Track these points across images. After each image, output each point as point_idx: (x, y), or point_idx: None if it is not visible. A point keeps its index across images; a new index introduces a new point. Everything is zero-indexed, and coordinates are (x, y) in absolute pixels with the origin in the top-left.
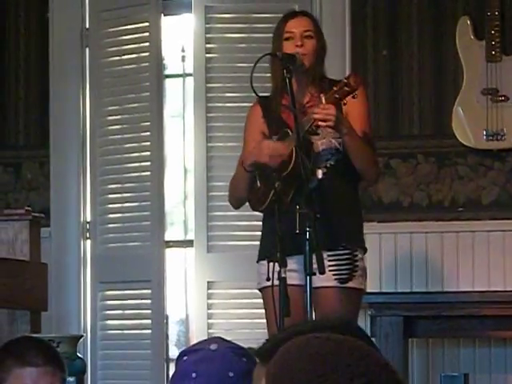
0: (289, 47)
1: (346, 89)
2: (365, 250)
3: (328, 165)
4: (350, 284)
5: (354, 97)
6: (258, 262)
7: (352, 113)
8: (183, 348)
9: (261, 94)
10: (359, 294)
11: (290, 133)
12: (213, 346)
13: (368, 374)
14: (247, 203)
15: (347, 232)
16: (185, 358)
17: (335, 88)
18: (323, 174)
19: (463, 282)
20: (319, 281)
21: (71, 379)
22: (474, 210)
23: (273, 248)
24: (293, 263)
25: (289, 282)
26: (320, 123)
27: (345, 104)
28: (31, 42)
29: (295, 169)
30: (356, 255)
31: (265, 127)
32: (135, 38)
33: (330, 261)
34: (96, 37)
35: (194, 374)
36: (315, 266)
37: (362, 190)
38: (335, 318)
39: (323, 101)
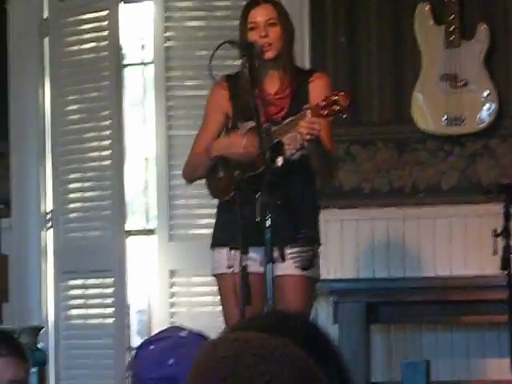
0: (253, 37)
1: (336, 107)
2: (319, 245)
3: (289, 159)
4: (309, 273)
5: (343, 116)
6: (212, 248)
7: (321, 124)
8: (146, 337)
9: (227, 74)
10: (315, 283)
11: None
12: (182, 333)
13: (268, 373)
14: (207, 190)
15: (307, 222)
16: (151, 347)
17: (323, 103)
18: (284, 160)
19: (425, 268)
20: (280, 269)
21: (33, 370)
22: (435, 195)
23: (233, 235)
24: (253, 252)
25: (250, 269)
26: (304, 135)
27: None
28: None
29: (257, 159)
30: (315, 244)
31: (230, 110)
32: (94, 26)
33: (290, 248)
34: (55, 26)
35: (170, 361)
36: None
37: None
38: (279, 312)
39: (308, 115)
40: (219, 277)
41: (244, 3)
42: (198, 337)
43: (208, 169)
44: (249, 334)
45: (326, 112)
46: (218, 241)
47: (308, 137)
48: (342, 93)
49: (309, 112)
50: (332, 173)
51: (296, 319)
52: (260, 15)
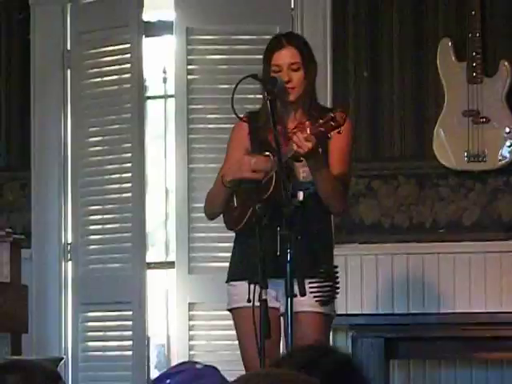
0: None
1: (332, 123)
2: (336, 279)
3: (307, 193)
4: (327, 310)
5: (339, 132)
6: (228, 282)
7: (334, 147)
8: (164, 370)
9: (249, 111)
10: (331, 320)
11: (271, 157)
12: (198, 366)
13: None
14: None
15: (326, 257)
16: (167, 381)
17: (321, 121)
18: (304, 196)
19: (444, 304)
20: (298, 305)
21: None
22: (455, 231)
23: (249, 269)
24: (269, 286)
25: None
26: (295, 147)
27: (328, 138)
28: (12, 63)
29: (274, 191)
30: (333, 280)
31: (249, 144)
32: (116, 59)
33: (310, 283)
34: (77, 58)
35: None
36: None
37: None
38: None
39: (308, 130)
40: (236, 311)
41: (267, 38)
42: (214, 370)
43: (225, 200)
44: (280, 370)
45: (323, 128)
46: (234, 275)
47: (300, 151)
48: (340, 111)
49: (308, 129)
50: (340, 204)
51: (329, 355)
52: (284, 58)
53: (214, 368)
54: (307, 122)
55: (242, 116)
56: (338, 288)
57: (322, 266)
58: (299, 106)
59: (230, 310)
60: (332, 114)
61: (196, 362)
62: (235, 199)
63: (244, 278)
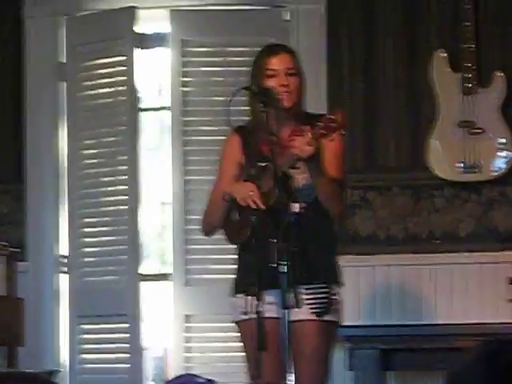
0: (272, 84)
1: (333, 125)
2: (340, 285)
3: (308, 200)
4: (327, 317)
5: (341, 133)
6: (233, 295)
7: (327, 149)
8: (161, 383)
9: (238, 125)
10: (335, 327)
11: (271, 166)
12: (200, 380)
13: None
14: (223, 235)
15: (324, 267)
16: None
17: (321, 124)
18: (301, 208)
19: (440, 315)
20: (296, 314)
21: None
22: (451, 242)
23: (249, 281)
24: (270, 296)
25: (267, 314)
26: (297, 152)
27: (331, 140)
28: (6, 75)
29: (273, 203)
30: (332, 289)
31: (242, 158)
32: (111, 71)
33: (306, 294)
34: (72, 71)
35: None
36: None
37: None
38: None
39: (309, 135)
40: (239, 324)
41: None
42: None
43: (224, 212)
44: None
45: (324, 131)
46: (236, 288)
47: (303, 155)
48: (338, 112)
49: (308, 134)
50: (340, 205)
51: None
52: (280, 63)
53: (212, 381)
54: (307, 127)
55: (234, 126)
56: (335, 298)
57: (318, 276)
58: (292, 115)
59: (236, 323)
60: (332, 116)
61: (195, 375)
62: (236, 212)
63: (245, 291)
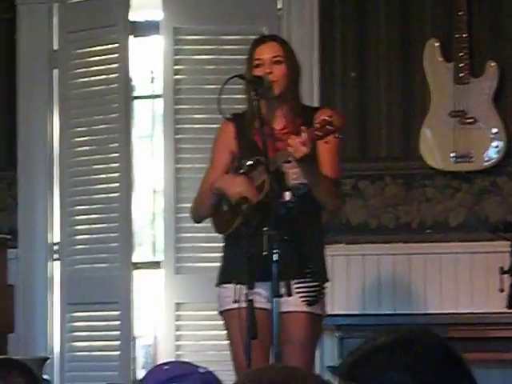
0: (258, 74)
1: (330, 128)
2: (328, 278)
3: (298, 193)
4: (315, 310)
5: (337, 137)
6: (219, 284)
7: (323, 147)
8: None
9: (234, 112)
10: (321, 320)
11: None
12: (201, 370)
13: None
14: (212, 225)
15: (314, 258)
16: None
17: (318, 125)
18: (291, 198)
19: (431, 304)
20: (285, 305)
21: None
22: (442, 231)
23: (239, 270)
24: (259, 287)
25: (256, 305)
26: (289, 149)
27: (326, 142)
28: None
29: (265, 196)
30: (322, 281)
31: (236, 148)
32: (104, 59)
33: (297, 283)
34: (64, 58)
35: None
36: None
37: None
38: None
39: (304, 136)
40: (226, 313)
41: (254, 38)
42: (210, 372)
43: (213, 205)
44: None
45: (320, 133)
46: (224, 277)
47: (296, 155)
48: (340, 115)
49: (305, 134)
50: (336, 201)
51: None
52: (266, 52)
53: (211, 372)
54: (303, 127)
55: (228, 116)
56: (324, 288)
57: (309, 266)
58: (283, 104)
59: (221, 313)
60: (329, 118)
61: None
62: (225, 204)
63: (232, 280)
